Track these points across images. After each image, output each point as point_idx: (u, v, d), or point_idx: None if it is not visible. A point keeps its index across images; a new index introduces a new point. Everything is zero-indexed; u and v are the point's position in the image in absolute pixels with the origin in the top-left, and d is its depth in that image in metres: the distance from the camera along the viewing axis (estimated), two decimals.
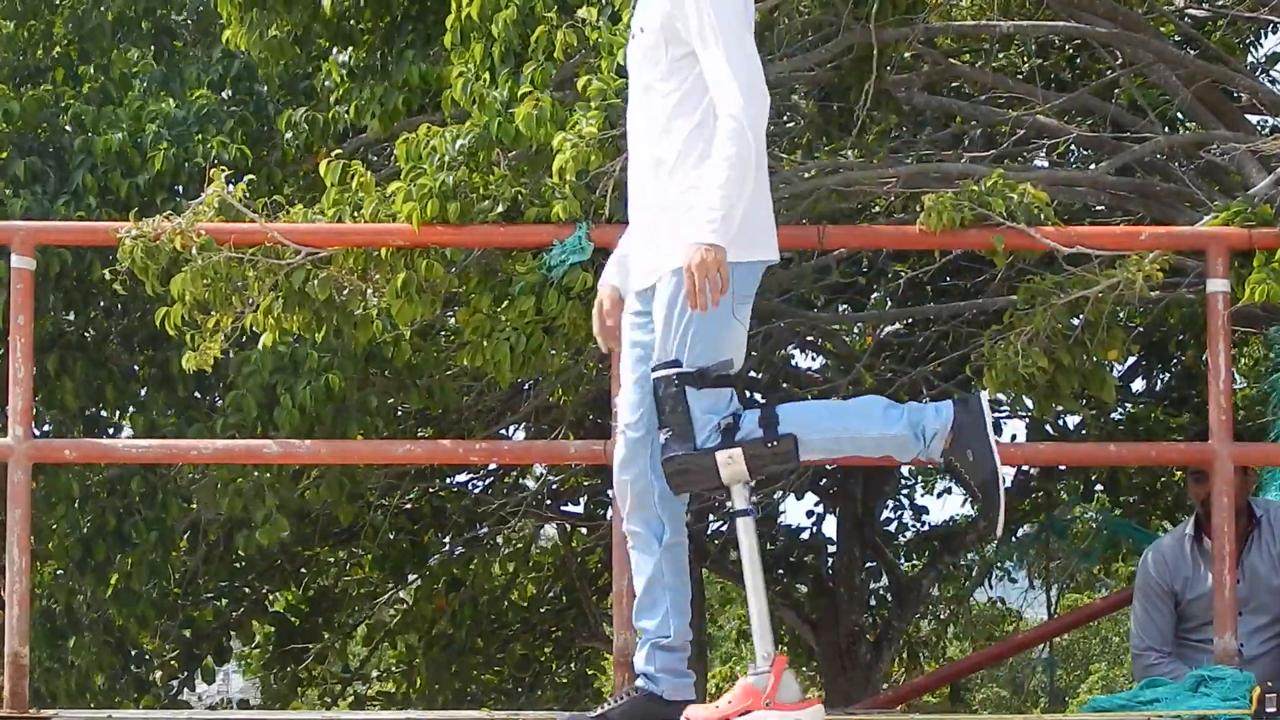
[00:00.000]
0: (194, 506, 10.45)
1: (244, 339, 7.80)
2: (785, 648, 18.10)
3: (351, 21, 9.15)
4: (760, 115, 5.47)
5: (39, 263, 7.54)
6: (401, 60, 8.83)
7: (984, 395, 5.72)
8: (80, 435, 9.91)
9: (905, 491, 16.32)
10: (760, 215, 5.60)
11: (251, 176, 8.59)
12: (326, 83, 9.30)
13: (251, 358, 8.89)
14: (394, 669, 16.55)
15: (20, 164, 9.32)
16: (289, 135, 9.43)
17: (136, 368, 10.06)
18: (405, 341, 8.60)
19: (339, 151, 7.57)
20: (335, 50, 9.34)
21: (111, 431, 10.41)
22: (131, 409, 10.14)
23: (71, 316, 9.84)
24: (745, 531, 5.57)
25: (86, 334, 9.87)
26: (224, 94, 9.86)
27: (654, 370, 5.54)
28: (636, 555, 5.83)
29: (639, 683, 5.81)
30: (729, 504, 5.55)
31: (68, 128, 9.58)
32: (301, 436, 8.65)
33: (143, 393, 10.16)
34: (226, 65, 9.94)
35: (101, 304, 9.83)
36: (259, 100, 9.86)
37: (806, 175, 8.48)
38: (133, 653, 12.53)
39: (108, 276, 7.21)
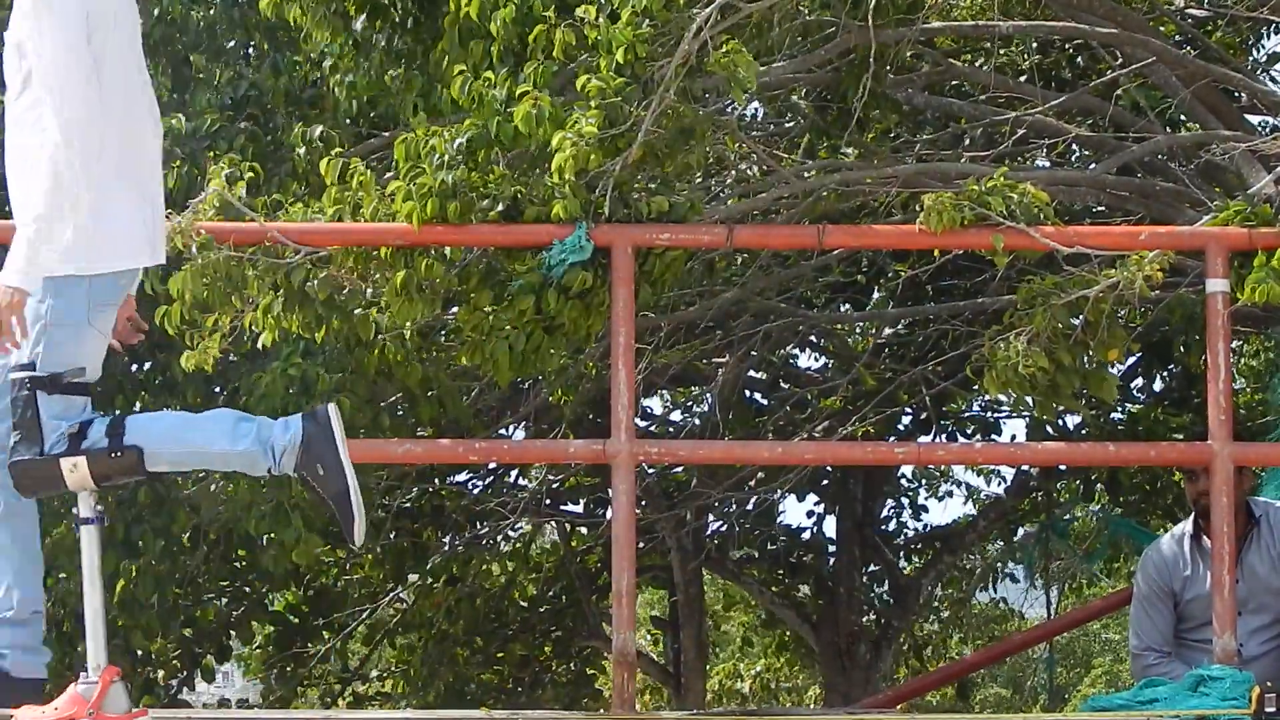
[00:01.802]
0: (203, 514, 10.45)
1: (246, 339, 7.78)
2: (790, 650, 18.14)
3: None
4: (72, 138, 5.38)
5: None
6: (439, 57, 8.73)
7: (333, 407, 5.66)
8: None
9: (906, 492, 16.33)
10: (112, 226, 5.53)
11: (254, 187, 8.57)
12: (326, 59, 9.19)
13: (263, 381, 8.88)
14: (393, 669, 16.55)
15: None
16: (301, 151, 9.43)
17: (137, 370, 10.04)
18: (414, 361, 8.56)
19: (339, 150, 7.57)
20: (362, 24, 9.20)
21: None
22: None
23: None
24: (88, 540, 5.51)
25: None
26: (232, 113, 9.87)
27: (11, 371, 5.50)
28: None
29: None
30: (75, 509, 5.52)
31: None
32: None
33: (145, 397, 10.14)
34: (235, 86, 9.94)
35: None
36: (267, 115, 9.86)
37: (807, 175, 8.48)
38: (138, 653, 12.53)
39: None
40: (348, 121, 9.65)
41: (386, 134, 9.59)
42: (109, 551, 10.05)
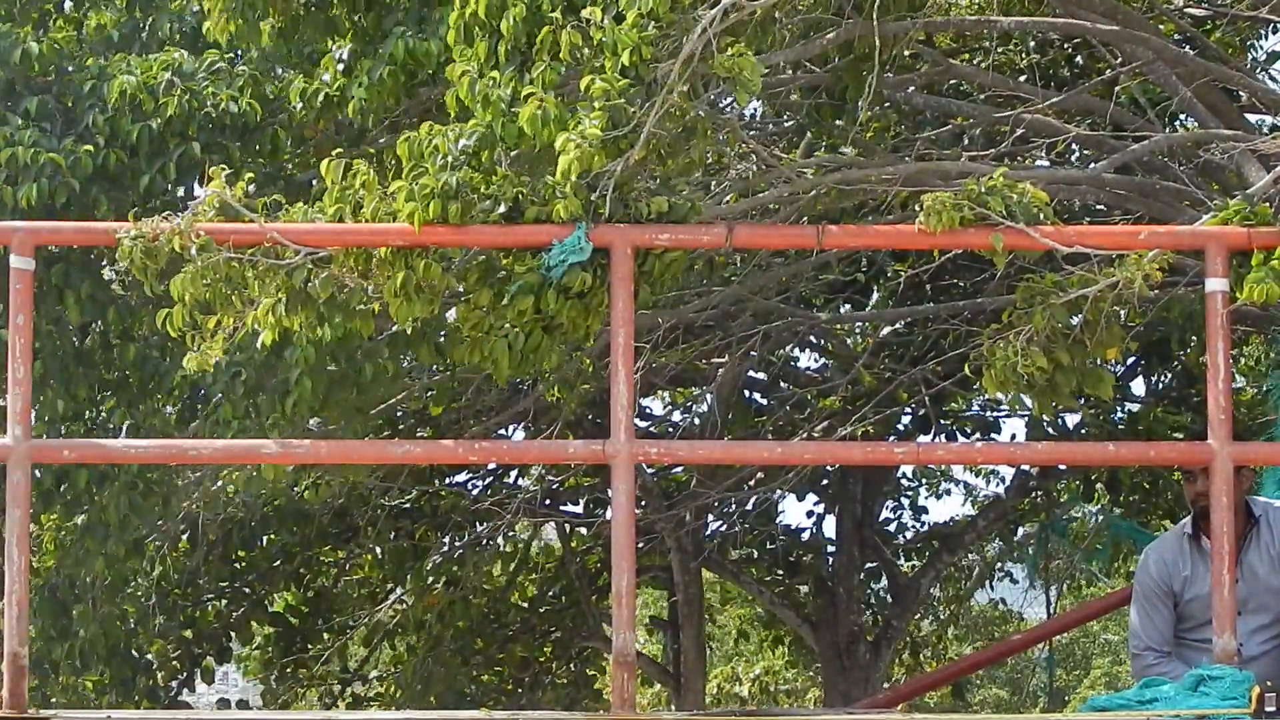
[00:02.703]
0: (195, 509, 10.45)
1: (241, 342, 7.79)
2: (787, 648, 18.15)
3: (336, 11, 9.11)
4: None
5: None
6: (390, 37, 8.80)
7: None
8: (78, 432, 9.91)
9: (906, 492, 16.34)
10: None
11: (247, 130, 8.58)
12: (324, 76, 9.28)
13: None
14: (391, 671, 16.55)
15: (32, 100, 9.34)
16: (299, 105, 9.44)
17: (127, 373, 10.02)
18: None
19: (339, 151, 7.56)
20: (333, 44, 9.31)
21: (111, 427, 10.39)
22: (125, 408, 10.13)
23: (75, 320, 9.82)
24: None
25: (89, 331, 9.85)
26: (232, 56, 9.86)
27: None
28: None
29: None
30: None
31: (73, 70, 9.60)
32: (303, 405, 8.66)
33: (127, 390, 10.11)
34: (199, 21, 9.93)
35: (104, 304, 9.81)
36: (266, 63, 9.85)
37: (806, 174, 8.48)
38: (137, 656, 12.56)
39: (107, 277, 7.21)
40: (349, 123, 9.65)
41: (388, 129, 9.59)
42: (87, 536, 10.07)
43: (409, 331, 8.80)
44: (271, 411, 8.89)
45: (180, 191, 9.49)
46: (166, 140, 9.33)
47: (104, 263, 9.17)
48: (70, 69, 9.60)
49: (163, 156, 9.30)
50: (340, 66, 9.13)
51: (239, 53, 9.85)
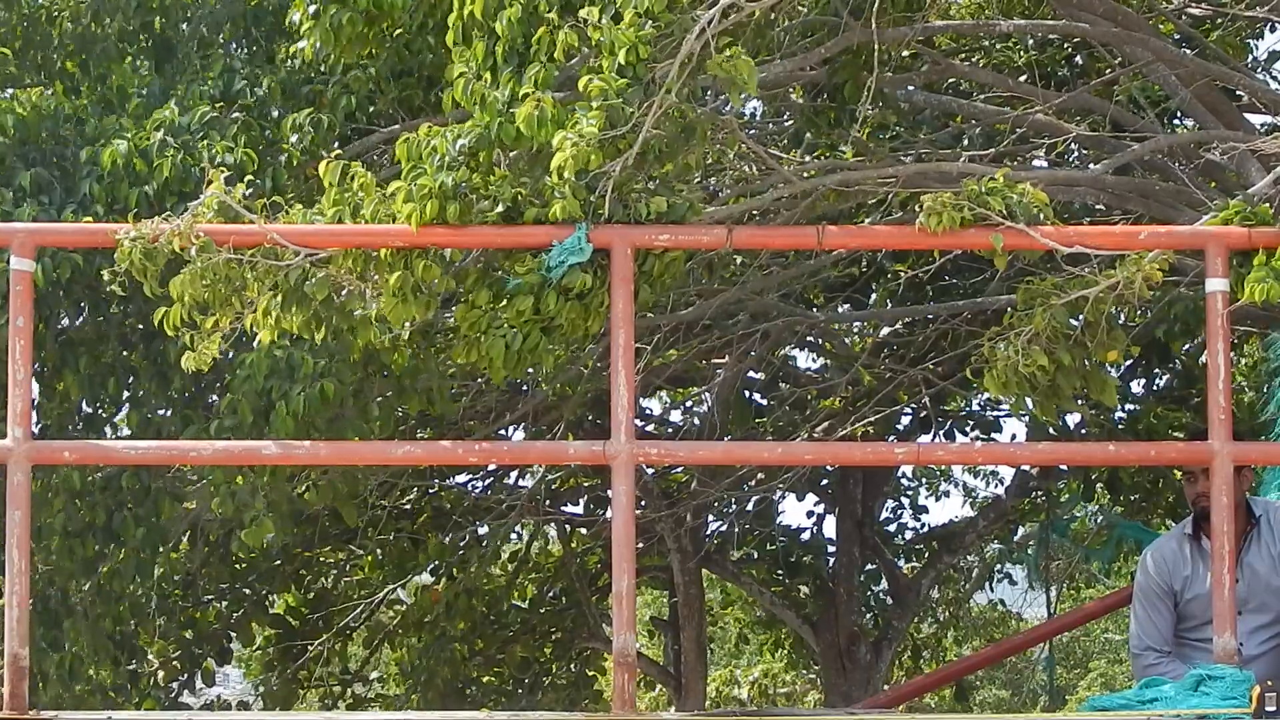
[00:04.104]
0: (188, 507, 10.44)
1: (244, 339, 7.79)
2: (787, 650, 18.15)
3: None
4: None
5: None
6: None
7: None
8: (79, 429, 9.92)
9: (905, 492, 16.34)
10: None
11: (253, 178, 8.55)
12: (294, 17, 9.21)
13: (246, 361, 8.88)
14: (393, 673, 16.55)
15: (25, 174, 9.31)
16: (294, 139, 9.42)
17: (133, 363, 10.03)
18: (403, 347, 8.57)
19: (339, 153, 7.57)
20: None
21: (109, 430, 10.39)
22: (128, 405, 10.12)
23: (77, 322, 9.82)
24: None
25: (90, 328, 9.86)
26: (223, 105, 9.86)
27: None
28: None
29: None
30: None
31: (70, 138, 9.58)
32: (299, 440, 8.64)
33: (131, 386, 10.12)
34: (227, 81, 9.94)
35: (105, 303, 9.81)
36: (262, 107, 9.86)
37: (806, 175, 8.48)
38: (134, 656, 12.53)
39: (107, 278, 7.21)
40: (344, 119, 9.64)
41: (383, 129, 9.59)
42: (88, 537, 10.06)
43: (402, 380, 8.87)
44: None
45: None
46: (165, 200, 9.27)
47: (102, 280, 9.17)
48: (65, 135, 9.57)
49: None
50: (311, 9, 8.99)
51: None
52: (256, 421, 8.84)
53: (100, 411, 10.29)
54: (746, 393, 14.19)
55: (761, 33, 7.67)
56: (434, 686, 14.78)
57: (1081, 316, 7.00)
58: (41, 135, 9.53)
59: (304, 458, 8.10)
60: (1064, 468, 14.06)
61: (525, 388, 12.18)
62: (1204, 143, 8.70)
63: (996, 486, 16.76)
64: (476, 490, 14.52)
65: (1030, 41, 10.96)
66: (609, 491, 8.47)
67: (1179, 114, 10.80)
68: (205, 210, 7.15)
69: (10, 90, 9.91)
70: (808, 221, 8.69)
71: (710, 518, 14.97)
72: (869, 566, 15.42)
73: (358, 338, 7.41)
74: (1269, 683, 6.45)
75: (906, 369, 12.49)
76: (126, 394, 10.03)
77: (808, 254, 10.51)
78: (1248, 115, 9.99)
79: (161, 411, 9.98)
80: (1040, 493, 14.76)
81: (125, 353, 9.90)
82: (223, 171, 7.26)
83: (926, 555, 15.78)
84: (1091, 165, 9.87)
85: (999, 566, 17.39)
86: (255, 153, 9.35)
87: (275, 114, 9.80)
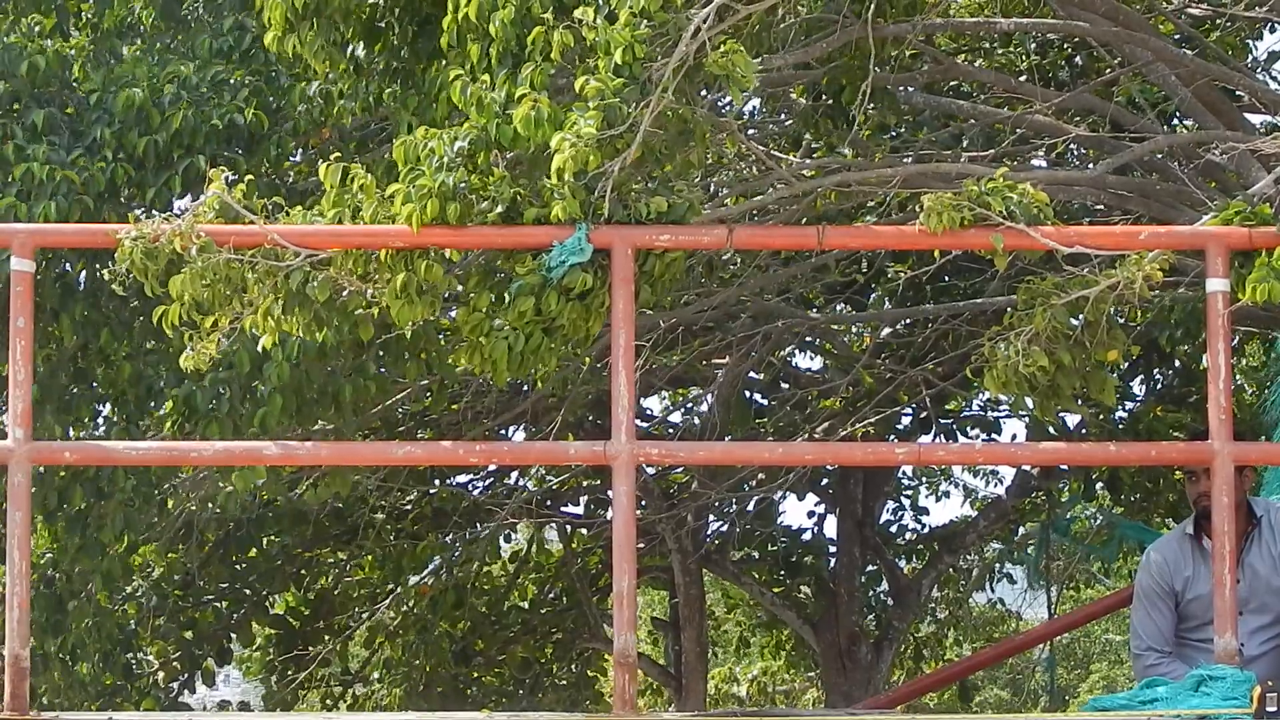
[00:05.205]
0: (189, 506, 10.45)
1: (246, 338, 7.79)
2: (787, 651, 18.15)
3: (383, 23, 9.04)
4: None
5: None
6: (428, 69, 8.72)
7: None
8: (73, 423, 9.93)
9: (906, 493, 16.34)
10: None
11: (254, 139, 8.54)
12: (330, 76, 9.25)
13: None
14: (391, 673, 16.56)
15: (40, 113, 9.32)
16: (302, 108, 9.42)
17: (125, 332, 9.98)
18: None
19: (338, 155, 7.56)
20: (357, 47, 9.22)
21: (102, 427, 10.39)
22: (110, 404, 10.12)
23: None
24: None
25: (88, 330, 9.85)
26: (235, 64, 9.85)
27: None
28: None
29: None
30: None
31: (79, 81, 9.58)
32: (291, 400, 8.66)
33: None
34: (238, 37, 9.92)
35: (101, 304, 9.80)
36: (271, 72, 9.85)
37: (805, 175, 8.48)
38: (134, 656, 12.55)
39: (106, 277, 7.20)
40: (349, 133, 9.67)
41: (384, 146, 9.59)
42: (72, 536, 10.06)
43: (401, 339, 8.82)
44: (249, 427, 8.89)
45: (186, 204, 9.47)
46: (173, 153, 9.31)
47: (100, 285, 9.16)
48: (76, 80, 9.58)
49: (168, 169, 9.29)
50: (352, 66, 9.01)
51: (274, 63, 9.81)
52: (253, 373, 8.81)
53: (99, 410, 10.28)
54: (747, 393, 14.19)
55: (759, 37, 7.66)
56: (431, 685, 14.78)
57: (1081, 316, 7.00)
58: (53, 80, 9.55)
59: (305, 457, 8.11)
60: (1064, 468, 14.06)
61: (525, 388, 12.19)
62: (1204, 143, 8.69)
63: (997, 486, 16.76)
64: (476, 491, 14.52)
65: (1032, 44, 10.97)
66: (609, 492, 8.46)
67: (1179, 114, 10.80)
68: (206, 210, 7.14)
69: (30, 29, 9.86)
70: (808, 221, 8.70)
71: (711, 518, 14.98)
72: (870, 567, 15.42)
73: (360, 334, 7.40)
74: (1270, 683, 6.44)
75: (907, 369, 12.49)
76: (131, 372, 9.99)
77: (808, 254, 10.51)
78: (1248, 115, 9.99)
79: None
80: (1041, 493, 14.77)
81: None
82: (222, 172, 7.25)
83: (927, 555, 15.78)
84: (1091, 165, 9.87)
85: (999, 566, 17.39)
86: (265, 115, 9.38)
87: (284, 80, 9.79)
